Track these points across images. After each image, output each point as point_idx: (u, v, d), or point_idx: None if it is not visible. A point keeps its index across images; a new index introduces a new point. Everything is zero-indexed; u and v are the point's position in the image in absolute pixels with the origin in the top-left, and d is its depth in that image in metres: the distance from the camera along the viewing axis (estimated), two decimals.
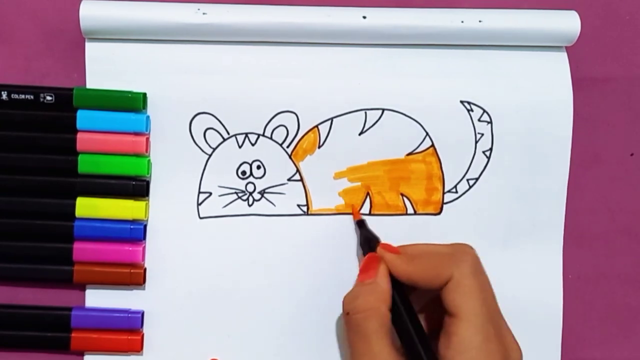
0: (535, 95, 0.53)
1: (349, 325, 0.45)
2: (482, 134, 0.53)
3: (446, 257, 0.45)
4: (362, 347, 0.44)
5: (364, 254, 0.50)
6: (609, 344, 0.55)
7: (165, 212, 0.52)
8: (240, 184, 0.52)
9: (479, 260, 0.46)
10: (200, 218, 0.52)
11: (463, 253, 0.46)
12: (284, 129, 0.52)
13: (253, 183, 0.52)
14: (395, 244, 0.49)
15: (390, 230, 0.52)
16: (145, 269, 0.52)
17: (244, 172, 0.52)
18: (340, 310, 0.51)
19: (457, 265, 0.44)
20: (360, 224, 0.51)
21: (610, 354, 0.55)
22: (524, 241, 0.53)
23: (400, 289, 0.46)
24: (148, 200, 0.52)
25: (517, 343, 0.45)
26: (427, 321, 0.48)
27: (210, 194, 0.52)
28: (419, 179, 0.53)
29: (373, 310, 0.44)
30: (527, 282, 0.53)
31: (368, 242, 0.50)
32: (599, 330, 0.55)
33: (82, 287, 0.52)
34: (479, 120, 0.52)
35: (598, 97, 0.55)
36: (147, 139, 0.51)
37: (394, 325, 0.45)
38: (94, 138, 0.50)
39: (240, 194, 0.52)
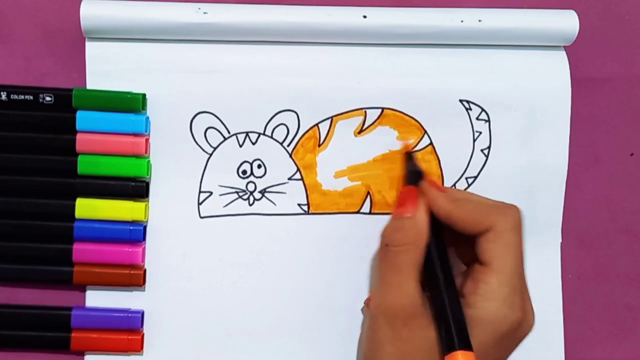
0: (534, 94, 0.53)
1: (385, 256, 0.45)
2: (481, 133, 0.53)
3: (491, 207, 0.46)
4: (393, 277, 0.44)
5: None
6: (609, 344, 0.55)
7: (166, 211, 0.52)
8: (241, 183, 0.52)
9: (522, 220, 0.46)
10: (201, 217, 0.52)
11: (509, 208, 0.46)
12: (284, 127, 0.52)
13: (254, 182, 0.52)
14: None
15: None
16: (145, 270, 0.52)
17: (244, 172, 0.52)
18: (341, 310, 0.51)
19: (502, 217, 0.45)
20: (408, 156, 0.50)
21: (610, 354, 0.55)
22: None
23: (436, 227, 0.46)
24: (148, 201, 0.52)
25: (533, 309, 0.45)
26: (456, 263, 0.48)
27: (211, 193, 0.52)
28: None
29: (412, 245, 0.44)
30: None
31: (413, 175, 0.48)
32: (599, 330, 0.55)
33: (82, 288, 0.52)
34: (478, 118, 0.53)
35: (597, 97, 0.55)
36: (147, 140, 0.51)
37: (424, 262, 0.45)
38: (94, 139, 0.50)
39: (240, 193, 0.52)
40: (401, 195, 0.47)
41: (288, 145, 0.52)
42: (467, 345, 0.41)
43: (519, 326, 0.44)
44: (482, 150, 0.53)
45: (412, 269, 0.44)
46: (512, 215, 0.45)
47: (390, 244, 0.45)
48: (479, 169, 0.53)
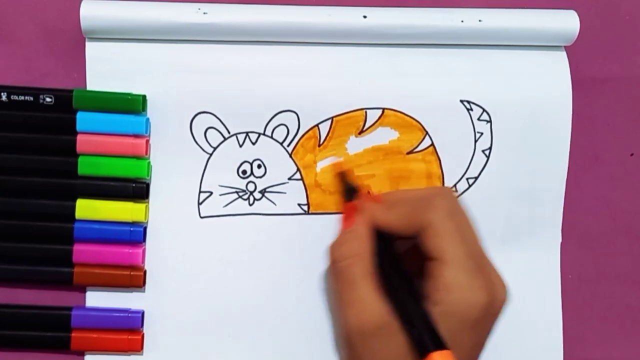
0: (535, 95, 0.53)
1: (336, 273, 0.46)
2: (482, 133, 0.53)
3: (422, 203, 0.45)
4: (349, 293, 0.44)
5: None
6: (609, 344, 0.55)
7: (166, 211, 0.52)
8: (241, 183, 0.52)
9: (454, 201, 0.46)
10: (201, 217, 0.52)
11: (438, 196, 0.46)
12: (284, 128, 0.52)
13: (254, 182, 0.52)
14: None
15: None
16: (145, 272, 0.52)
17: (244, 172, 0.52)
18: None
19: (433, 211, 0.44)
20: (341, 176, 0.51)
21: (610, 354, 0.55)
22: (522, 240, 0.53)
23: (384, 236, 0.46)
24: (148, 202, 0.52)
25: (501, 278, 0.45)
26: (415, 265, 0.48)
27: (211, 193, 0.52)
28: (418, 178, 0.53)
29: (357, 256, 0.45)
30: (525, 280, 0.53)
31: (349, 192, 0.50)
32: (599, 330, 0.55)
33: (82, 288, 0.52)
34: (479, 119, 0.53)
35: (598, 97, 0.55)
36: (147, 141, 0.51)
37: (380, 271, 0.45)
38: (94, 140, 0.50)
39: (241, 193, 0.52)
40: (343, 212, 0.48)
41: (288, 146, 0.52)
42: (440, 345, 0.41)
43: (490, 305, 0.43)
44: (483, 151, 0.53)
45: (365, 280, 0.44)
46: (440, 204, 0.45)
47: (337, 260, 0.45)
48: (480, 170, 0.53)
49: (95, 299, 0.51)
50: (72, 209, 0.50)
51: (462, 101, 0.52)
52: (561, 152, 0.53)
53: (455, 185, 0.53)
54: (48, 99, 0.50)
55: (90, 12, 0.50)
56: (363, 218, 0.47)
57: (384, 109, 0.52)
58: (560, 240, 0.54)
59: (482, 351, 0.45)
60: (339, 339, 0.51)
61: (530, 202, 0.53)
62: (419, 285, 0.44)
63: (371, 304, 0.43)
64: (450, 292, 0.43)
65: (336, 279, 0.46)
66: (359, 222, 0.47)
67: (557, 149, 0.53)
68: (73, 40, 0.52)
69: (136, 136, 0.51)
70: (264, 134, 0.52)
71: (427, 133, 0.52)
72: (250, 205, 0.52)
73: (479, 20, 0.51)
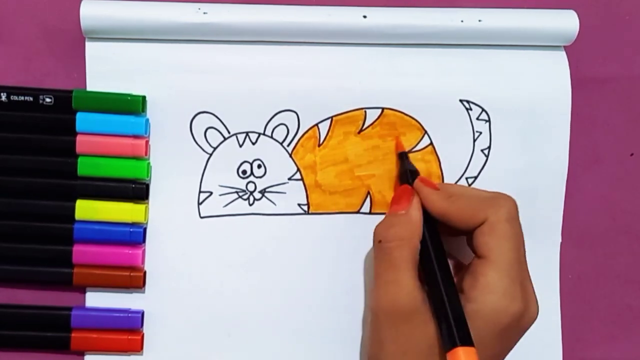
0: (534, 94, 0.53)
1: (380, 253, 0.46)
2: (481, 133, 0.53)
3: (485, 200, 0.46)
4: (389, 274, 0.44)
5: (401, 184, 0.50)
6: (609, 344, 0.55)
7: (166, 211, 0.52)
8: (241, 183, 0.52)
9: (516, 209, 0.46)
10: (201, 217, 0.52)
11: (502, 199, 0.46)
12: (284, 127, 0.52)
13: (254, 182, 0.52)
14: None
15: None
16: (145, 272, 0.52)
17: (244, 171, 0.52)
18: (341, 309, 0.51)
19: (494, 209, 0.45)
20: (402, 156, 0.51)
21: (610, 354, 0.55)
22: None
23: (432, 224, 0.46)
24: (148, 203, 0.52)
25: (536, 298, 0.45)
26: (454, 259, 0.49)
27: (211, 193, 0.52)
28: None
29: (405, 240, 0.45)
30: None
31: (407, 174, 0.50)
32: (599, 330, 0.55)
33: (82, 288, 0.52)
34: (478, 118, 0.53)
35: (597, 97, 0.55)
36: (147, 142, 0.51)
37: (421, 259, 0.45)
38: (94, 140, 0.50)
39: (240, 193, 0.52)
40: (396, 194, 0.48)
41: (288, 145, 0.52)
42: (468, 341, 0.41)
43: (521, 317, 0.44)
44: (482, 151, 0.53)
45: (408, 265, 0.44)
46: (505, 206, 0.45)
47: (384, 240, 0.45)
48: (479, 169, 0.53)
49: (95, 299, 0.51)
50: (72, 209, 0.50)
51: (461, 101, 0.52)
52: (561, 151, 0.53)
53: None
54: (48, 100, 0.50)
55: (90, 12, 0.50)
56: (419, 203, 0.47)
57: (383, 109, 0.52)
58: (560, 240, 0.54)
59: None
60: (367, 315, 0.51)
61: (530, 202, 0.53)
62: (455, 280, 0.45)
63: (409, 289, 0.43)
64: (488, 292, 0.43)
65: (379, 258, 0.46)
66: (414, 206, 0.47)
67: (557, 149, 0.53)
68: (73, 40, 0.52)
69: (136, 137, 0.51)
70: (263, 134, 0.52)
71: (426, 132, 0.52)
72: (250, 205, 0.52)
73: (479, 20, 0.51)
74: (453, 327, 0.42)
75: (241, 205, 0.52)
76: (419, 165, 0.52)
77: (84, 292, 0.52)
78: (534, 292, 0.45)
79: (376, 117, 0.52)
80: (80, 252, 0.50)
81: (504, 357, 0.45)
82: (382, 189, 0.53)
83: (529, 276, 0.46)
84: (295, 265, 0.52)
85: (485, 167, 0.53)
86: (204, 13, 0.50)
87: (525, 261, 0.46)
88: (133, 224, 0.51)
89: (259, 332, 0.52)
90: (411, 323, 0.43)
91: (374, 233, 0.47)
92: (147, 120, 0.51)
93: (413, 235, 0.45)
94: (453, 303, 0.43)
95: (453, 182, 0.53)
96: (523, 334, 0.45)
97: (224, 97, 0.52)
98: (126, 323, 0.51)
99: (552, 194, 0.53)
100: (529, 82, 0.53)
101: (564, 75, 0.53)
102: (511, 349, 0.45)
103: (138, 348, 0.51)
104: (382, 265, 0.45)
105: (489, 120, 0.53)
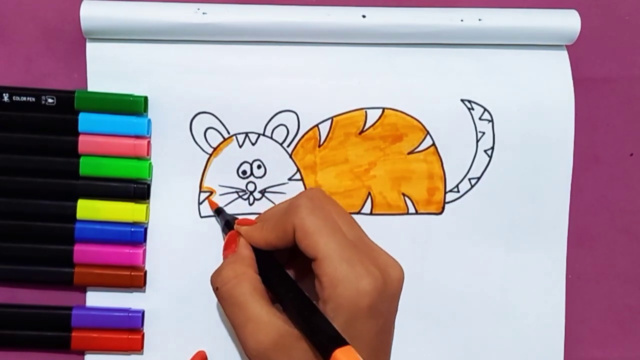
0: (536, 94, 0.53)
1: (222, 300, 0.45)
2: (484, 133, 0.53)
3: (287, 211, 0.45)
4: (241, 316, 0.44)
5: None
6: (609, 344, 0.55)
7: (167, 211, 0.52)
8: (241, 183, 0.52)
9: (318, 198, 0.46)
10: (201, 217, 0.52)
11: (299, 199, 0.45)
12: (284, 128, 0.52)
13: (254, 182, 0.52)
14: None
15: (392, 230, 0.52)
16: (145, 272, 0.52)
17: (244, 172, 0.52)
18: None
19: (294, 213, 0.44)
20: (218, 212, 0.51)
21: (610, 354, 0.55)
22: (527, 241, 0.53)
23: (267, 253, 0.47)
24: (149, 203, 0.52)
25: (390, 258, 0.45)
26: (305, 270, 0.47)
27: (211, 193, 0.52)
28: (420, 178, 0.53)
29: (240, 275, 0.45)
30: (529, 281, 0.53)
31: (228, 224, 0.50)
32: (599, 330, 0.55)
33: (83, 288, 0.52)
34: (480, 118, 0.52)
35: (598, 97, 0.55)
36: (149, 142, 0.51)
37: (269, 290, 0.45)
38: (96, 141, 0.50)
39: (241, 193, 0.52)
40: (225, 243, 0.48)
41: (288, 146, 0.52)
42: (340, 341, 0.40)
43: (383, 288, 0.43)
44: (485, 151, 0.53)
45: (254, 297, 0.44)
46: (299, 205, 0.45)
47: (220, 284, 0.45)
48: (482, 170, 0.53)
49: (96, 298, 0.52)
50: (74, 209, 0.50)
51: (463, 100, 0.52)
52: (565, 150, 0.53)
53: (457, 186, 0.53)
54: (50, 100, 0.50)
55: (90, 13, 0.50)
56: (243, 241, 0.47)
57: (384, 109, 0.52)
58: (566, 240, 0.53)
59: (392, 335, 0.45)
60: None
61: (534, 202, 0.53)
62: (313, 289, 0.44)
63: (264, 321, 0.43)
64: (334, 286, 0.42)
65: (225, 306, 0.45)
66: (241, 244, 0.47)
67: (561, 148, 0.53)
68: (73, 41, 0.52)
69: (137, 137, 0.51)
70: (263, 135, 0.52)
71: (428, 133, 0.52)
72: (251, 205, 0.52)
73: (479, 20, 0.51)
74: (321, 335, 0.41)
75: (241, 205, 0.52)
76: (420, 167, 0.52)
77: (85, 292, 0.52)
78: (389, 257, 0.45)
79: (377, 117, 0.52)
80: (81, 251, 0.51)
81: (390, 329, 0.45)
82: (383, 189, 0.52)
83: (371, 245, 0.45)
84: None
85: (489, 167, 0.53)
86: (204, 13, 0.50)
87: (357, 233, 0.45)
88: (134, 224, 0.51)
89: None
90: (284, 349, 0.42)
91: (210, 282, 0.47)
92: (149, 120, 0.51)
93: (247, 268, 0.45)
94: (309, 314, 0.42)
95: (456, 183, 0.53)
96: (399, 296, 0.44)
97: (224, 97, 0.52)
98: (126, 322, 0.51)
99: (557, 194, 0.53)
100: (531, 82, 0.53)
101: (565, 75, 0.53)
102: (395, 312, 0.45)
103: (138, 347, 0.51)
104: (230, 310, 0.44)
105: (491, 120, 0.52)
